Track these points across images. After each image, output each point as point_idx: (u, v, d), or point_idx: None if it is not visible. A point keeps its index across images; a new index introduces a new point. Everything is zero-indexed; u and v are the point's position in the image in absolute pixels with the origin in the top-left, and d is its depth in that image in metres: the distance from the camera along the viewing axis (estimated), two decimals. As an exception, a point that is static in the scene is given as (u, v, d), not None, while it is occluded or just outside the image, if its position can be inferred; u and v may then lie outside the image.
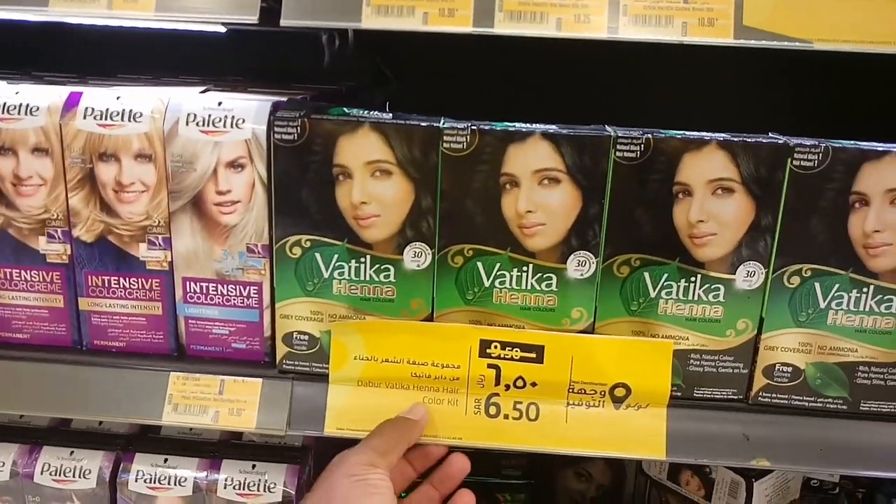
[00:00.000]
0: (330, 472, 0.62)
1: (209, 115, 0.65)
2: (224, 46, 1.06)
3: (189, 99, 0.66)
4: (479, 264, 0.66)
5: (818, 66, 0.80)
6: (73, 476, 0.78)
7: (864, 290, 0.65)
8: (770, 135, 0.65)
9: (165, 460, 0.78)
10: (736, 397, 0.69)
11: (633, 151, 0.63)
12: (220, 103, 0.66)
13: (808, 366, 0.67)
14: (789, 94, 1.00)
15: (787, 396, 0.68)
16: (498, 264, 0.66)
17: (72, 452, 0.79)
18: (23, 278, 0.70)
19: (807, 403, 0.68)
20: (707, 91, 1.00)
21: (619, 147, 0.63)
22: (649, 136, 0.63)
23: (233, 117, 0.65)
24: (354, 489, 0.59)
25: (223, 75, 0.96)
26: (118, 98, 0.66)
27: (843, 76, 0.91)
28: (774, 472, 0.88)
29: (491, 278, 0.67)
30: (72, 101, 0.66)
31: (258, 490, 0.77)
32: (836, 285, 0.65)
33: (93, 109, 0.65)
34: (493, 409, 0.68)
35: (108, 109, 0.65)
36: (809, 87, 0.97)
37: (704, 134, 0.63)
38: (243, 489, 0.77)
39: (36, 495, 0.78)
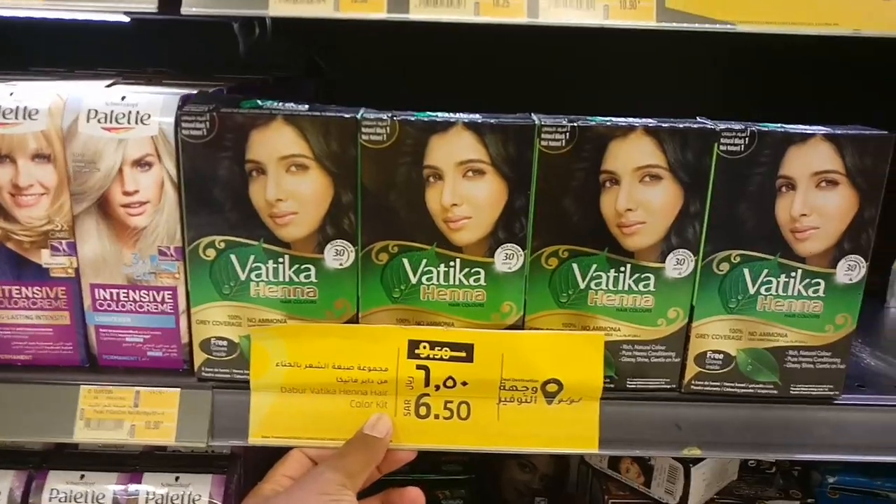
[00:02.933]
0: (301, 488, 0.60)
1: (112, 111, 0.61)
2: (146, 37, 1.01)
3: (90, 94, 0.62)
4: (405, 261, 0.64)
5: (749, 50, 0.80)
6: (-18, 498, 0.73)
7: (793, 274, 0.64)
8: (698, 120, 0.64)
9: (82, 476, 0.74)
10: (669, 387, 0.68)
11: (558, 140, 0.61)
12: (123, 98, 0.62)
13: (739, 352, 0.66)
14: (720, 79, 1.00)
15: (719, 384, 0.67)
16: (424, 260, 0.64)
17: (-20, 473, 0.74)
18: (-87, 291, 0.65)
19: (738, 390, 0.67)
20: (638, 78, 1.00)
21: (543, 136, 0.61)
22: (574, 123, 0.61)
23: (137, 112, 0.61)
24: None
25: (144, 68, 0.91)
26: (11, 94, 0.61)
27: (772, 60, 0.91)
28: (712, 456, 0.88)
29: (418, 275, 0.64)
30: (-42, 99, 0.61)
31: (182, 502, 0.73)
32: (765, 271, 0.64)
33: (-18, 107, 0.61)
34: (423, 410, 0.66)
35: (0, 107, 0.61)
36: (739, 71, 0.97)
37: (631, 120, 0.62)
38: (166, 503, 0.73)
39: (-58, 521, 0.73)
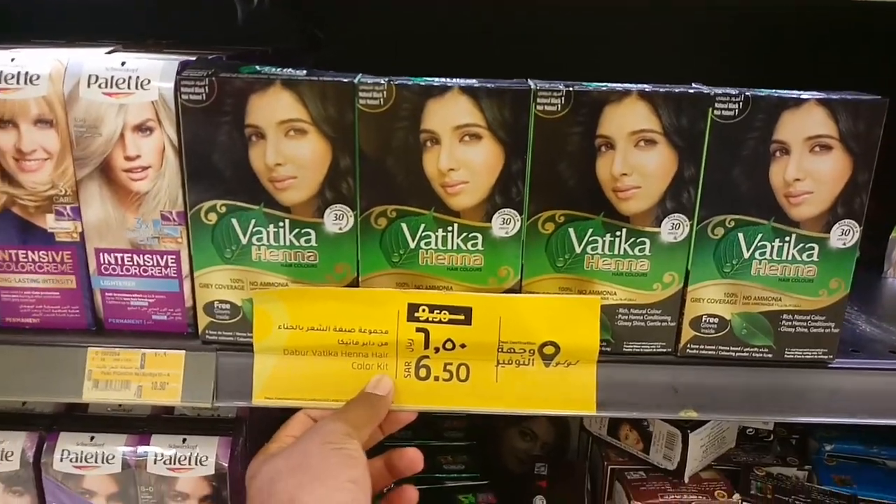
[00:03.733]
0: (306, 439, 0.60)
1: (112, 76, 0.62)
2: (149, 9, 1.01)
3: (90, 59, 0.63)
4: (404, 225, 0.65)
5: (744, 15, 0.80)
6: (-5, 458, 0.75)
7: (787, 239, 0.65)
8: (692, 85, 0.65)
9: (92, 438, 0.76)
10: (664, 350, 0.69)
11: (553, 104, 0.61)
12: (123, 63, 0.63)
13: (734, 316, 0.67)
14: (716, 45, 1.00)
15: (714, 347, 0.68)
16: (422, 225, 0.65)
17: (-8, 435, 0.76)
18: (-77, 255, 0.67)
19: (733, 353, 0.68)
20: (633, 44, 1.00)
21: (539, 100, 0.61)
22: (570, 88, 0.61)
23: (137, 77, 0.62)
24: (332, 456, 0.58)
25: (144, 39, 0.92)
26: (13, 60, 0.62)
27: (764, 24, 0.91)
28: (709, 423, 0.89)
29: (416, 240, 0.65)
30: (-38, 65, 0.62)
31: (189, 464, 0.75)
32: (759, 235, 0.65)
33: (-15, 73, 0.62)
34: (423, 372, 0.67)
35: (2, 72, 0.62)
36: (738, 42, 0.97)
37: (626, 85, 0.62)
38: (174, 463, 0.75)
39: (-44, 480, 0.75)
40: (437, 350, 0.67)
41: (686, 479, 0.89)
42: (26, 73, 0.62)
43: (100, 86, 0.62)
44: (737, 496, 0.88)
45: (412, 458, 0.66)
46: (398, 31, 1.07)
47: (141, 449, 0.75)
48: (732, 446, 0.96)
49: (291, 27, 1.08)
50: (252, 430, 0.82)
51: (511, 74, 0.66)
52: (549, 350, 0.67)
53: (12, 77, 0.61)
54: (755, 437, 0.98)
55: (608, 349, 0.68)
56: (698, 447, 0.89)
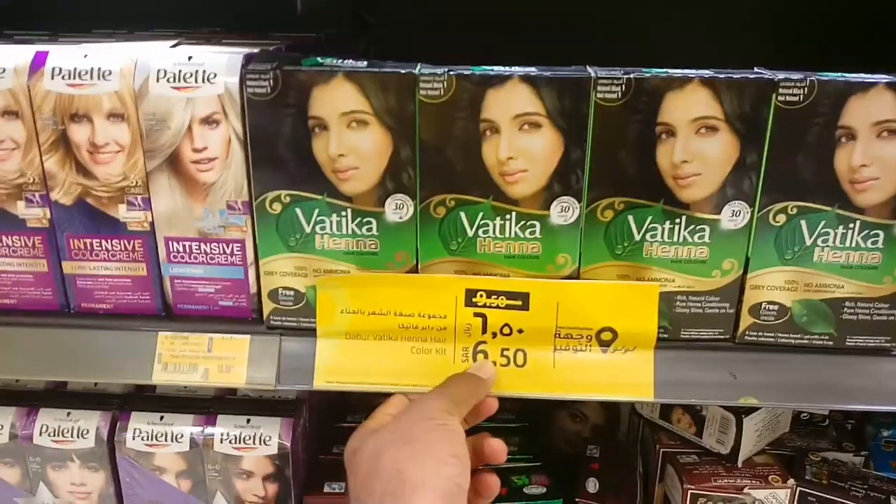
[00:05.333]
0: (409, 413, 0.62)
1: (180, 71, 0.64)
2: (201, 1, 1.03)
3: (158, 55, 0.65)
4: (462, 214, 0.66)
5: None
6: (72, 436, 0.79)
7: (851, 225, 0.64)
8: (755, 70, 0.64)
9: (161, 418, 0.79)
10: (723, 337, 0.69)
11: (613, 92, 0.61)
12: (190, 58, 0.64)
13: (795, 303, 0.67)
14: (777, 27, 0.98)
15: (773, 335, 0.68)
16: (481, 213, 0.65)
17: (69, 413, 0.80)
18: (4, 244, 0.70)
19: (793, 341, 0.68)
20: (694, 28, 0.98)
21: (599, 88, 0.61)
22: (630, 75, 0.61)
23: (204, 72, 0.64)
24: (435, 431, 0.59)
25: (199, 27, 0.94)
26: (86, 56, 0.65)
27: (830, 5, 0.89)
28: (763, 408, 0.89)
29: (474, 228, 0.66)
30: (38, 62, 0.64)
31: (254, 443, 0.78)
32: (822, 222, 0.64)
33: (60, 69, 0.64)
34: (480, 357, 0.69)
35: (76, 68, 0.64)
36: (797, 19, 0.95)
37: (687, 71, 0.62)
38: (239, 443, 0.78)
39: (36, 456, 0.79)
40: (494, 335, 0.68)
41: (739, 464, 0.89)
42: (99, 69, 0.64)
43: (168, 80, 0.63)
44: (791, 481, 0.87)
45: (496, 449, 0.66)
46: (442, 12, 1.07)
47: (208, 429, 0.78)
48: (787, 431, 0.95)
49: (338, 12, 1.09)
50: (309, 412, 0.85)
51: (562, 57, 0.66)
52: (606, 336, 0.68)
53: (86, 73, 0.64)
54: (810, 422, 0.97)
55: (666, 336, 0.68)
56: (752, 432, 0.88)
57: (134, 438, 0.78)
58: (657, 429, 0.96)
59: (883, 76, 0.61)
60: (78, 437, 0.79)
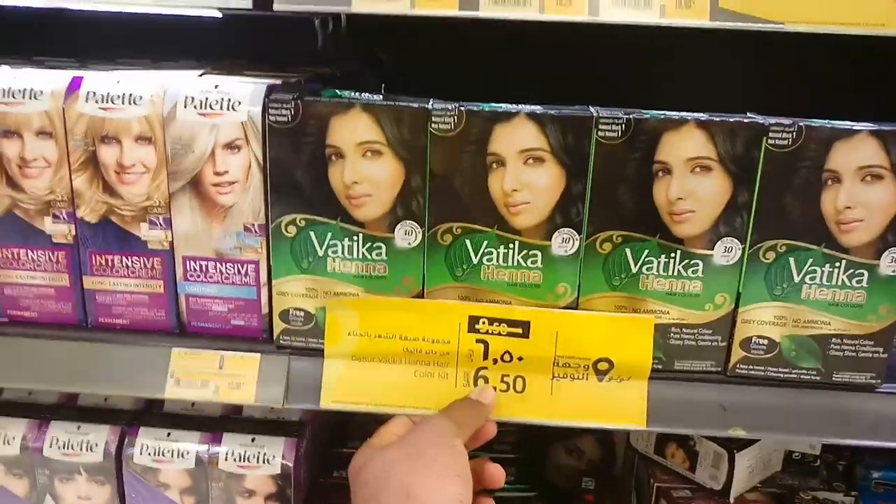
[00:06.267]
0: (416, 432, 0.64)
1: (206, 98, 0.68)
2: (221, 30, 1.08)
3: (187, 83, 0.69)
4: (468, 242, 0.69)
5: (796, 46, 0.83)
6: (81, 450, 0.81)
7: (837, 264, 0.67)
8: (748, 115, 0.68)
9: (169, 434, 0.81)
10: (714, 369, 0.71)
11: (614, 131, 0.65)
12: (216, 86, 0.68)
13: (784, 338, 0.70)
14: (768, 75, 1.02)
15: (763, 368, 0.71)
16: (485, 242, 0.69)
17: (79, 427, 0.82)
18: (30, 258, 0.73)
19: (782, 375, 0.70)
20: (689, 72, 1.03)
21: (601, 127, 0.65)
22: (630, 116, 0.65)
23: (229, 100, 0.68)
24: (443, 450, 0.62)
25: (220, 58, 0.98)
26: (118, 82, 0.69)
27: (818, 56, 0.93)
28: (756, 444, 0.91)
29: (479, 255, 0.69)
30: (74, 86, 0.68)
31: (258, 462, 0.80)
32: (810, 260, 0.67)
33: (94, 93, 0.68)
34: (481, 383, 0.71)
35: (108, 93, 0.68)
36: (787, 67, 0.99)
37: (683, 114, 0.66)
38: (243, 461, 0.80)
39: (45, 468, 0.81)
40: (495, 361, 0.71)
41: (731, 500, 0.91)
42: (130, 95, 0.68)
43: (195, 107, 0.67)
44: (782, 519, 0.89)
45: (494, 474, 0.68)
46: (451, 50, 1.11)
47: (214, 446, 0.80)
48: (779, 469, 0.97)
49: (354, 48, 1.14)
50: (313, 434, 0.87)
51: (567, 95, 0.70)
52: (602, 366, 0.70)
53: (118, 98, 0.68)
54: (802, 462, 0.99)
55: (660, 367, 0.71)
56: (745, 468, 0.90)
57: (141, 454, 0.80)
58: (652, 463, 0.98)
59: (866, 124, 0.65)
60: (87, 450, 0.81)
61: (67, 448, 0.81)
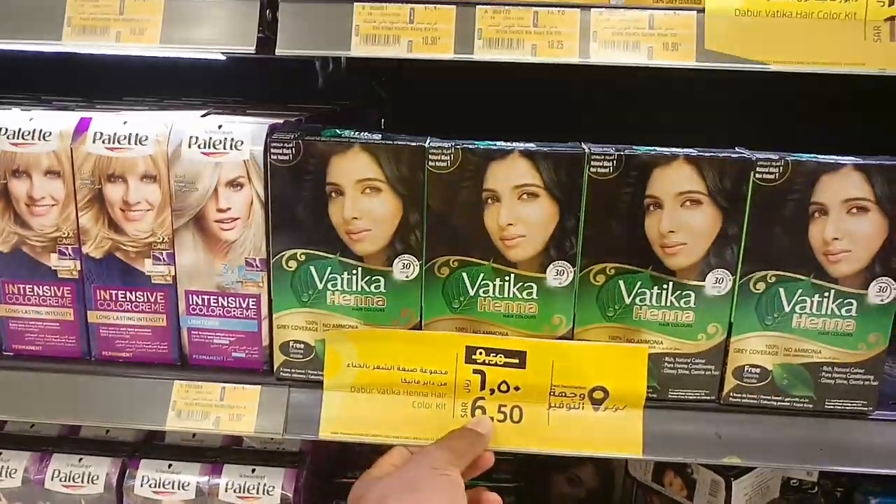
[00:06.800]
0: (413, 463, 0.66)
1: (210, 138, 0.70)
2: (225, 70, 1.11)
3: (191, 123, 0.71)
4: (464, 275, 0.71)
5: (782, 84, 0.85)
6: (82, 482, 0.82)
7: (826, 294, 0.69)
8: (736, 149, 0.70)
9: (169, 466, 0.82)
10: (708, 398, 0.73)
11: (606, 167, 0.67)
12: (220, 126, 0.70)
13: (776, 367, 0.71)
14: (757, 110, 1.05)
15: (756, 396, 0.72)
16: (482, 274, 0.70)
17: (80, 459, 0.83)
18: (36, 293, 0.74)
19: (775, 403, 0.72)
20: (680, 109, 1.05)
21: (592, 163, 0.67)
22: (621, 152, 0.67)
23: (232, 139, 0.70)
24: (440, 480, 0.63)
25: (224, 98, 1.01)
26: (125, 123, 0.71)
27: (805, 93, 0.96)
28: (753, 471, 0.91)
29: (475, 288, 0.71)
30: (82, 127, 0.70)
31: (257, 493, 0.81)
32: (799, 290, 0.69)
33: (101, 134, 0.70)
34: (478, 413, 0.72)
35: (115, 133, 0.70)
36: (776, 104, 1.02)
37: (673, 150, 0.68)
38: (243, 492, 0.81)
39: (47, 500, 0.82)
40: (492, 391, 0.72)
41: (730, 528, 0.91)
42: (136, 135, 0.70)
43: (199, 146, 0.69)
44: (781, 546, 0.89)
45: (492, 502, 0.70)
46: (450, 90, 1.14)
47: (214, 478, 0.81)
48: (776, 496, 0.97)
49: (355, 86, 1.16)
50: (312, 465, 0.88)
51: (562, 131, 0.72)
52: (598, 395, 0.71)
53: (125, 138, 0.70)
54: (799, 488, 1.00)
55: (654, 395, 0.72)
56: (742, 496, 0.91)
57: (142, 485, 0.81)
58: (650, 492, 0.99)
59: (851, 158, 0.67)
60: (88, 482, 0.81)
61: (69, 480, 0.81)
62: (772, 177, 0.67)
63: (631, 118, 0.98)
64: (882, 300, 0.69)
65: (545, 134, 0.72)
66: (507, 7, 0.65)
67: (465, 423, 0.72)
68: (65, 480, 0.82)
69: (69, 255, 0.73)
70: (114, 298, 0.74)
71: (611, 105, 1.08)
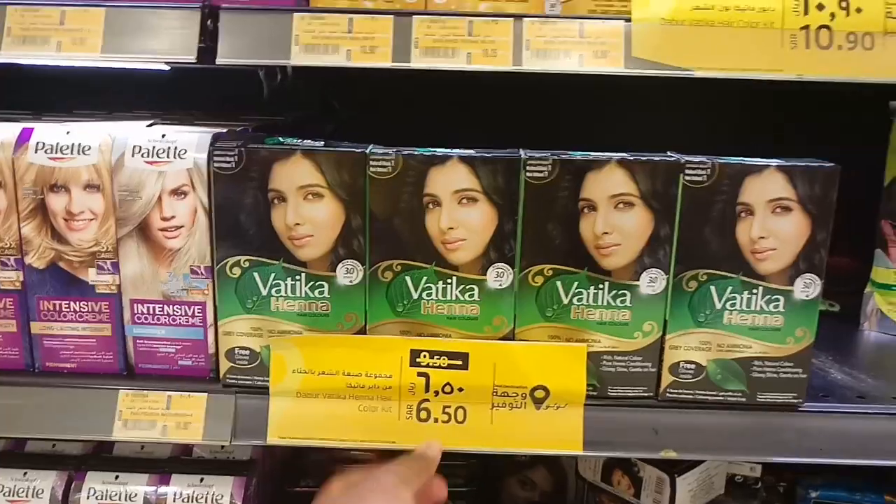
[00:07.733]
0: (363, 485, 0.67)
1: (154, 147, 0.71)
2: (176, 83, 1.11)
3: (135, 132, 0.71)
4: (408, 278, 0.72)
5: (709, 90, 0.88)
6: (27, 496, 0.81)
7: (755, 291, 0.72)
8: (667, 153, 0.72)
9: (116, 477, 0.81)
10: (646, 395, 0.75)
11: (541, 171, 0.69)
12: (163, 135, 0.71)
13: (709, 363, 0.74)
14: (686, 115, 1.09)
15: (691, 392, 0.74)
16: (424, 278, 0.72)
17: (25, 473, 0.82)
18: (-24, 305, 0.74)
19: (710, 397, 0.74)
20: (617, 114, 1.08)
21: (528, 168, 0.69)
22: (556, 157, 0.69)
23: (176, 148, 0.70)
24: (389, 498, 0.65)
25: (174, 110, 1.01)
26: (68, 133, 0.71)
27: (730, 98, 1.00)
28: (697, 468, 0.94)
29: (419, 291, 0.72)
30: (24, 137, 0.71)
31: (206, 502, 0.80)
32: (730, 288, 0.72)
33: (44, 144, 0.70)
34: (423, 414, 0.74)
35: (58, 143, 0.70)
36: (708, 107, 1.06)
37: (605, 154, 0.70)
38: (192, 502, 0.80)
39: (-10, 516, 0.81)
40: (436, 393, 0.73)
41: (677, 524, 0.94)
42: (79, 144, 0.70)
43: (142, 155, 0.70)
44: (726, 541, 0.92)
45: (439, 485, 0.72)
46: (402, 98, 1.16)
47: (161, 488, 0.81)
48: (721, 492, 1.00)
49: (307, 96, 1.18)
50: (262, 471, 0.88)
51: (508, 137, 0.74)
52: (539, 394, 0.73)
53: (67, 148, 0.70)
54: (743, 484, 1.02)
55: (594, 393, 0.74)
56: (686, 492, 0.93)
57: (88, 497, 0.80)
58: (599, 491, 1.01)
59: (775, 160, 0.70)
60: (33, 496, 0.80)
61: (13, 495, 0.80)
62: (700, 179, 0.70)
63: (578, 123, 1.01)
64: (807, 296, 0.72)
65: (498, 139, 0.74)
66: (443, 17, 0.67)
67: (410, 425, 0.73)
68: (9, 495, 0.81)
69: (11, 265, 0.73)
70: (57, 309, 0.74)
71: (565, 110, 1.10)
